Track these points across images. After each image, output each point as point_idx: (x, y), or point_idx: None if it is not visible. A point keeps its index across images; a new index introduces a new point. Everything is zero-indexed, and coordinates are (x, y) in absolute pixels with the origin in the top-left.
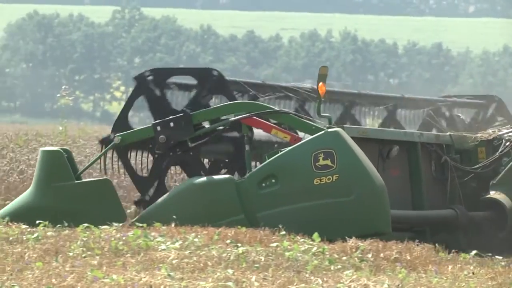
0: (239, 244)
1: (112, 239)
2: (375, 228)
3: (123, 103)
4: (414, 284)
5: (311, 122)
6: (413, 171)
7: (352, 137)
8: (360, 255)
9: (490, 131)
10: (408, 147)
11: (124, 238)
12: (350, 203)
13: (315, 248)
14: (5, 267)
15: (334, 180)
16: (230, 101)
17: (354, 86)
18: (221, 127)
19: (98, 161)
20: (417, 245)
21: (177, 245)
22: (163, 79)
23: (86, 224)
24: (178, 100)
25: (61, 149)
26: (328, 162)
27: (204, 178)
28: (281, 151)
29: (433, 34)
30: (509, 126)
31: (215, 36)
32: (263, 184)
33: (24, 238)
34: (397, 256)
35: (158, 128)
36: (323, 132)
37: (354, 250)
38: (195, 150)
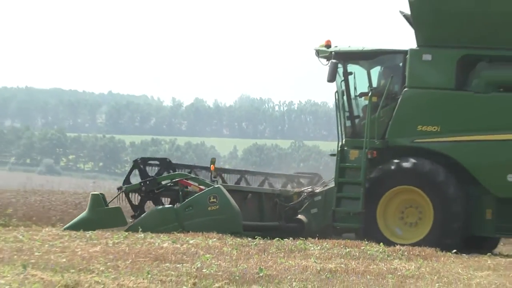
0: (347, 248)
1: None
2: (234, 229)
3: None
4: (426, 266)
5: (208, 182)
6: (261, 204)
7: (228, 190)
8: (400, 253)
9: (302, 189)
10: (258, 195)
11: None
12: (224, 219)
13: (381, 249)
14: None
15: (216, 208)
16: (174, 173)
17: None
18: (169, 183)
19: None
20: (427, 247)
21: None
22: (145, 162)
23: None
24: (152, 171)
25: (100, 193)
26: (215, 200)
27: (160, 206)
28: (195, 195)
29: None
30: (310, 187)
31: None
32: (186, 210)
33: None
34: (417, 253)
35: (142, 184)
36: (212, 187)
37: (398, 250)
38: (157, 193)
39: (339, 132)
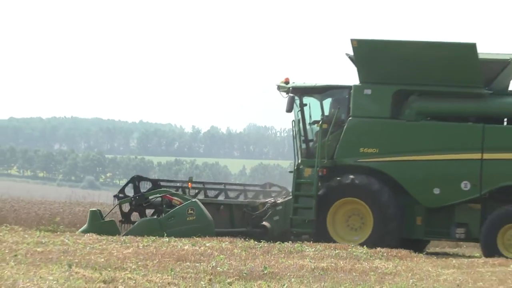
0: (337, 250)
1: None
2: (208, 235)
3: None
4: (402, 265)
5: (187, 197)
6: (231, 214)
7: (203, 203)
8: (381, 254)
9: (266, 200)
10: (229, 206)
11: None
12: (200, 227)
13: (364, 251)
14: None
15: (193, 218)
16: (160, 189)
17: None
18: (155, 198)
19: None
20: (402, 249)
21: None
22: (139, 179)
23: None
24: (145, 187)
25: (97, 209)
26: (192, 212)
27: (147, 218)
28: (176, 207)
29: None
30: (272, 198)
31: None
32: (169, 220)
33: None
34: (394, 254)
35: (132, 198)
36: (190, 201)
37: (378, 252)
38: (144, 207)
39: (296, 153)
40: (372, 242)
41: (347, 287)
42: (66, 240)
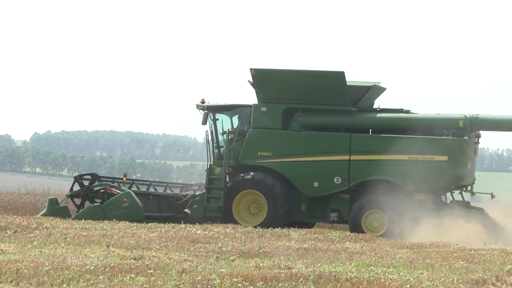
0: (316, 234)
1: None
2: (139, 218)
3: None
4: (366, 246)
5: (123, 188)
6: (159, 202)
7: (137, 193)
8: (350, 237)
9: (187, 193)
10: (158, 197)
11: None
12: (132, 211)
13: (337, 235)
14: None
15: (127, 205)
16: (103, 182)
17: None
18: (98, 190)
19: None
20: (365, 233)
21: None
22: (81, 177)
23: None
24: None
25: (54, 197)
26: (126, 200)
27: (93, 204)
28: (114, 196)
29: None
30: (192, 191)
31: None
32: (109, 206)
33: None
34: (361, 237)
35: (80, 191)
36: (124, 191)
37: (348, 236)
38: (91, 196)
39: (209, 156)
40: (266, 224)
41: (324, 263)
42: (105, 226)
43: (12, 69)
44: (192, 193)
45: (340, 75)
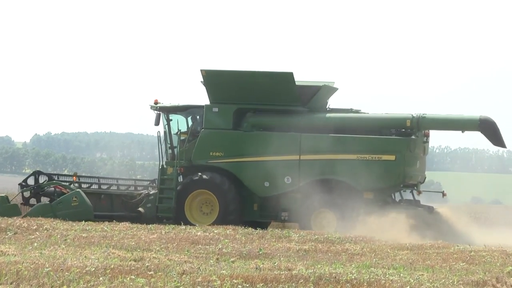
0: (316, 236)
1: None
2: (88, 217)
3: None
4: (367, 247)
5: (72, 187)
6: (112, 201)
7: (87, 193)
8: (350, 239)
9: (141, 191)
10: (110, 195)
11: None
12: (81, 211)
13: (337, 236)
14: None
15: (77, 204)
16: (53, 181)
17: None
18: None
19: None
20: (366, 235)
21: None
22: (39, 173)
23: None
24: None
25: (5, 195)
26: (76, 199)
27: (42, 203)
28: (64, 195)
29: None
30: (146, 190)
31: None
32: (58, 204)
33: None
34: (361, 239)
35: (32, 188)
36: (74, 191)
37: (349, 237)
38: (41, 194)
39: (160, 156)
40: (219, 222)
41: (324, 265)
42: (105, 228)
43: (12, 70)
44: (146, 192)
45: (289, 75)
